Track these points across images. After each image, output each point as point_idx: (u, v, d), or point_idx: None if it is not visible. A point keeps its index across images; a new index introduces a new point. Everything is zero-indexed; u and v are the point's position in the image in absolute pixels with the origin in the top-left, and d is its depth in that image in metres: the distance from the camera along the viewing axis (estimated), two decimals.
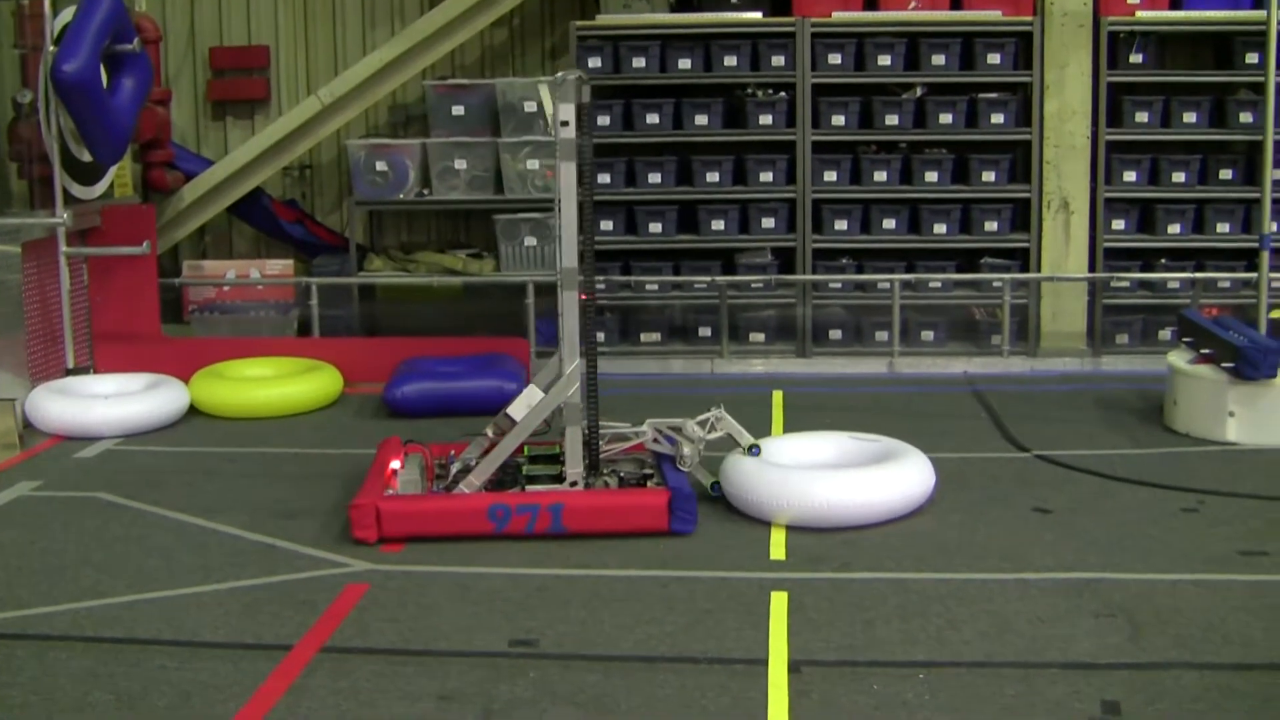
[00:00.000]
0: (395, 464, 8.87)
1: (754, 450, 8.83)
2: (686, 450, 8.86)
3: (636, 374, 12.95)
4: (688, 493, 8.43)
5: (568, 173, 8.49)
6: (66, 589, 7.60)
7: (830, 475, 8.61)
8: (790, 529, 8.36)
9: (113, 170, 12.86)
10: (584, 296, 8.68)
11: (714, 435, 8.94)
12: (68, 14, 11.74)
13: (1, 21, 12.09)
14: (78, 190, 12.23)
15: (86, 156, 12.15)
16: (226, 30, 15.32)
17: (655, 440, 9.05)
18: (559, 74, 8.53)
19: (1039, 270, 13.40)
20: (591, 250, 8.82)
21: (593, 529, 8.32)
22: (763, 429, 10.53)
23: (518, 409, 8.85)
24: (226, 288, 14.28)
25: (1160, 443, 10.43)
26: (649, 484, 8.78)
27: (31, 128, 11.83)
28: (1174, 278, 13.43)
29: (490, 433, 9.03)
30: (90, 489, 9.54)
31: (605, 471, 8.88)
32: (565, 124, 8.43)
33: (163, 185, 14.06)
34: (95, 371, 12.29)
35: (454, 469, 9.01)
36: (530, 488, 8.63)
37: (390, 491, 8.58)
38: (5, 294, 11.24)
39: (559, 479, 8.68)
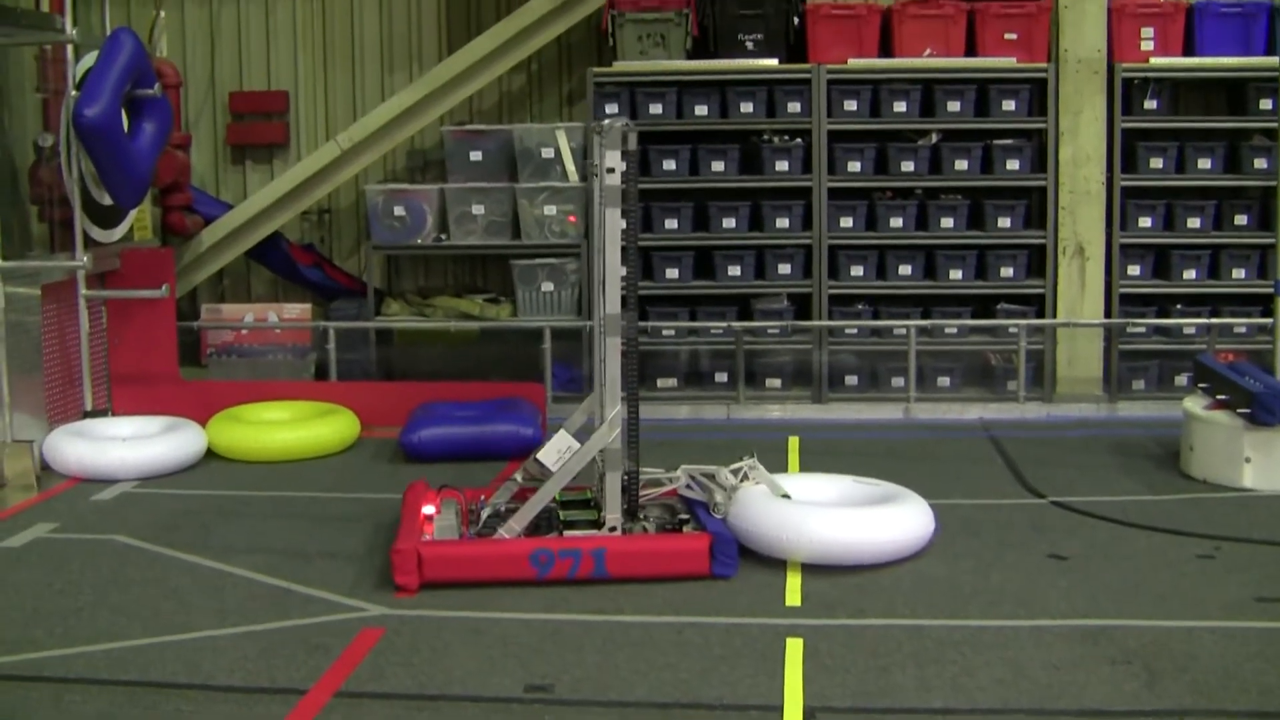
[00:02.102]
0: (429, 509, 8.84)
1: (786, 499, 8.88)
2: (719, 497, 8.87)
3: (653, 419, 12.83)
4: (728, 537, 8.48)
5: (612, 219, 8.51)
6: (83, 631, 7.61)
7: (832, 513, 8.66)
8: (805, 574, 8.36)
9: (132, 214, 12.93)
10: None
11: (746, 484, 8.98)
12: (90, 59, 11.84)
13: (24, 66, 12.19)
14: (97, 233, 12.29)
15: (107, 200, 12.23)
16: (246, 75, 15.44)
17: (689, 487, 9.09)
18: (605, 121, 8.54)
19: (1054, 316, 13.42)
20: (635, 296, 8.77)
21: (635, 574, 8.33)
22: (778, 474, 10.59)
23: (549, 455, 8.83)
24: (244, 331, 14.34)
25: (1176, 489, 10.42)
26: (684, 529, 8.74)
27: (52, 171, 11.91)
28: (1190, 323, 13.45)
29: (520, 478, 9.03)
30: (107, 531, 9.56)
31: (640, 517, 8.86)
32: (611, 171, 8.45)
33: (182, 229, 14.15)
34: (113, 414, 12.34)
35: (484, 514, 8.99)
36: (569, 533, 8.57)
37: (427, 537, 8.54)
38: (25, 336, 11.28)
39: (598, 524, 8.64)
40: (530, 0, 13.95)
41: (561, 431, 8.98)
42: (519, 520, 8.52)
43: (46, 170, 11.96)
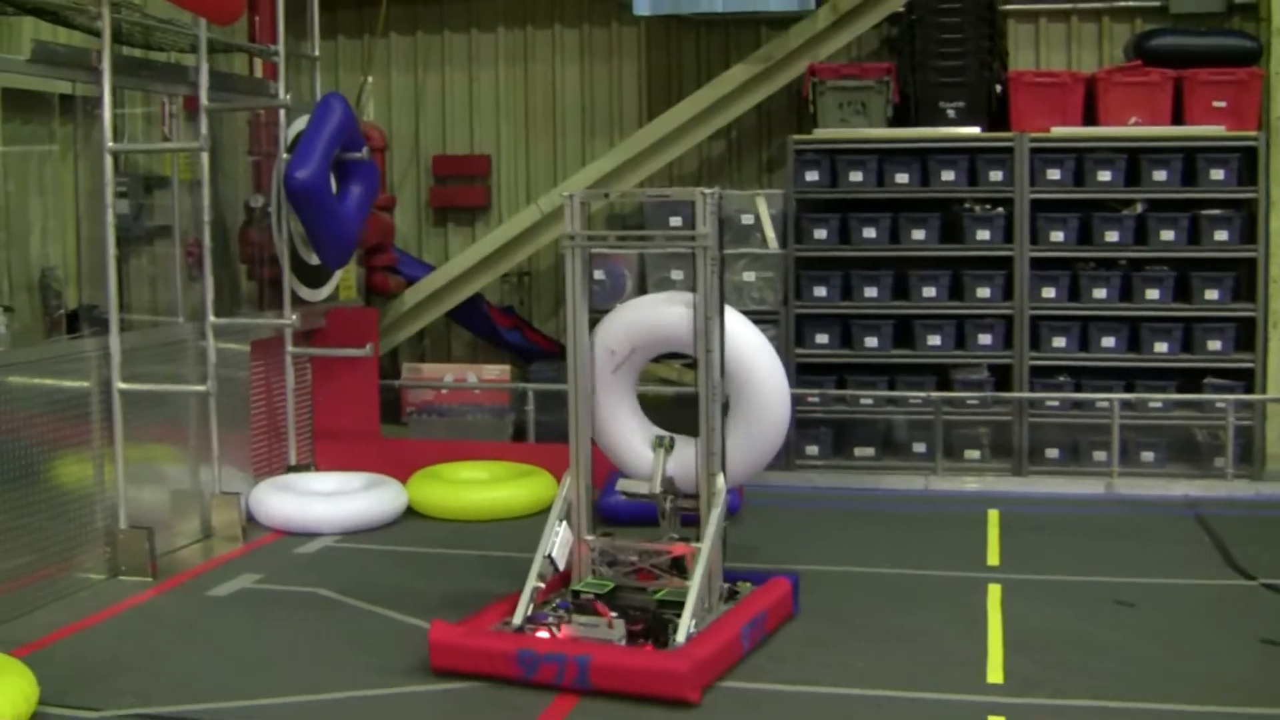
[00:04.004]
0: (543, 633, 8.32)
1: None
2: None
3: (848, 488, 12.83)
4: (794, 576, 8.97)
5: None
6: (288, 681, 7.75)
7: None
8: (1007, 650, 8.21)
9: (339, 274, 13.18)
10: None
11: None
12: (300, 123, 12.14)
13: (237, 130, 12.55)
14: (305, 292, 12.56)
15: (314, 260, 12.49)
16: (450, 139, 15.73)
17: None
18: (704, 189, 8.55)
19: (1264, 391, 13.02)
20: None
21: (775, 625, 8.59)
22: (977, 548, 10.49)
23: (559, 551, 8.75)
24: (444, 390, 14.53)
25: None
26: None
27: (263, 231, 12.22)
28: None
29: (542, 583, 8.67)
30: (309, 584, 9.73)
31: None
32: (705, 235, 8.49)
33: (385, 289, 14.41)
34: (316, 469, 12.58)
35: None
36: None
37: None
38: (234, 391, 11.56)
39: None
40: (731, 69, 14.04)
41: (564, 524, 8.89)
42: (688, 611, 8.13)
43: (257, 230, 12.28)
